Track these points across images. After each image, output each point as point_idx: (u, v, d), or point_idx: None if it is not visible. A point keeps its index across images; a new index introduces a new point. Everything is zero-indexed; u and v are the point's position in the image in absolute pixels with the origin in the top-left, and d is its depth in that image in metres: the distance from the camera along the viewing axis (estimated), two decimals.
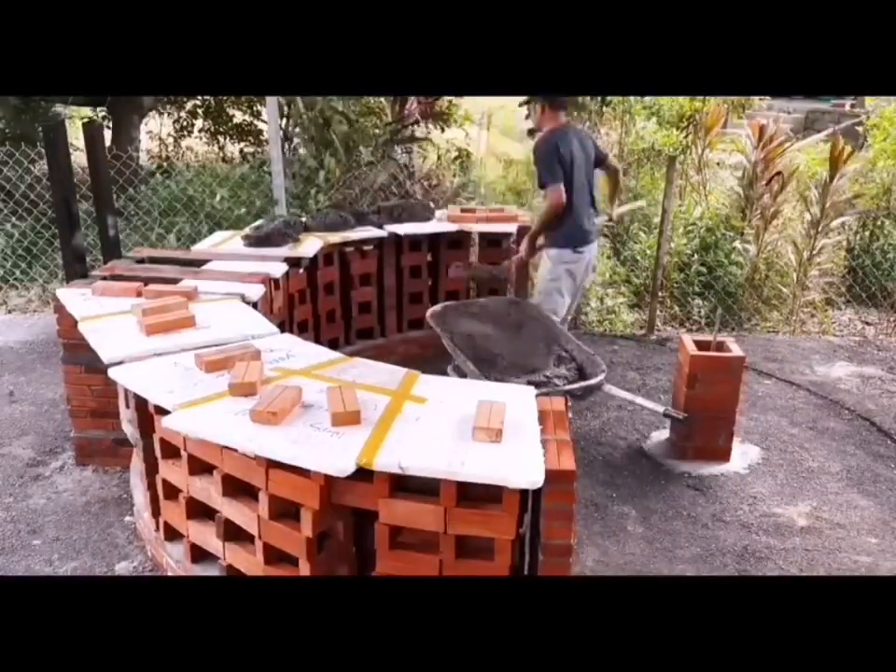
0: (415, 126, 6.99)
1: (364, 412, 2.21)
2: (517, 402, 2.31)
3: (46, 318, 5.45)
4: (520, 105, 6.15)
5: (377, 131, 6.80)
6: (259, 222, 4.57)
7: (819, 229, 6.04)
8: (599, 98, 7.34)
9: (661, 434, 3.99)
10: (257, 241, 4.14)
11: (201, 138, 9.86)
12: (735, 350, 3.67)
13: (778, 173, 6.24)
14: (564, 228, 3.91)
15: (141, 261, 3.88)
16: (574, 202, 3.88)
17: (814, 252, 6.10)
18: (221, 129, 9.76)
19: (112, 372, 2.57)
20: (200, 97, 9.26)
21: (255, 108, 9.30)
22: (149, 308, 2.91)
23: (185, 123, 9.83)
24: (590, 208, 4.06)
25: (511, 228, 4.83)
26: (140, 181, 7.21)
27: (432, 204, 5.26)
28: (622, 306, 5.99)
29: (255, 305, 3.31)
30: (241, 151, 9.37)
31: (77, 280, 3.66)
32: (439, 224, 4.82)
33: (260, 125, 9.39)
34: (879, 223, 6.74)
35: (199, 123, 9.81)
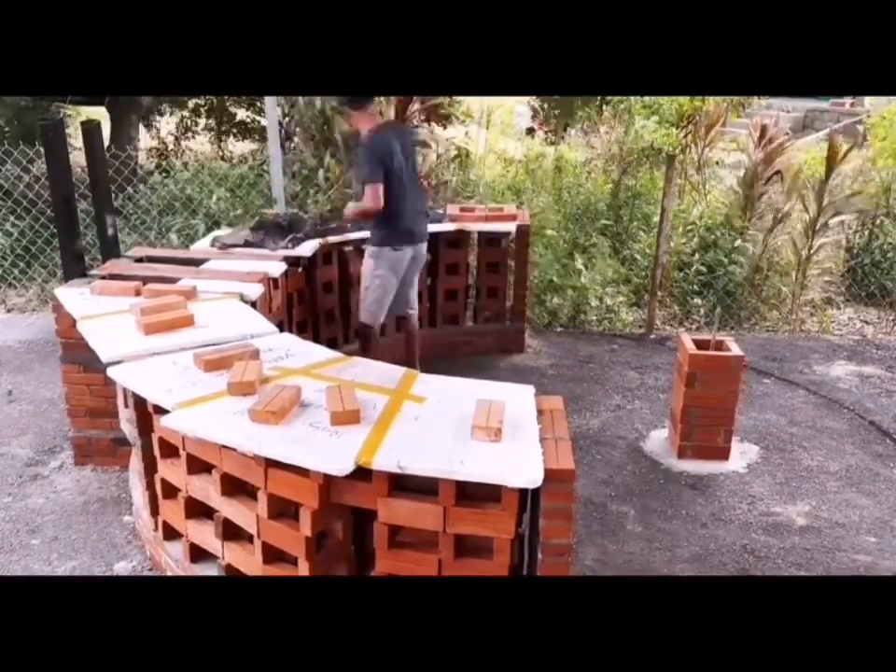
0: (419, 128, 6.97)
1: (363, 411, 2.21)
2: (516, 401, 2.31)
3: (44, 318, 5.44)
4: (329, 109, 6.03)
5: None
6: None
7: (817, 227, 6.04)
8: (598, 97, 7.34)
9: (660, 433, 3.99)
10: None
11: (203, 136, 9.84)
12: (735, 349, 3.67)
13: (777, 172, 6.24)
14: (385, 228, 3.95)
15: (139, 260, 3.87)
16: (395, 202, 3.86)
17: (812, 251, 6.10)
18: (224, 127, 9.75)
19: (111, 372, 2.56)
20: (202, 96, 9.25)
21: (258, 105, 9.29)
22: (148, 307, 2.91)
23: (189, 123, 9.82)
24: (418, 209, 4.08)
25: (511, 227, 4.83)
26: (139, 180, 7.20)
27: (431, 202, 5.25)
28: (621, 305, 5.99)
29: (254, 304, 3.31)
30: (243, 154, 9.36)
31: (76, 279, 3.65)
32: (438, 223, 4.82)
33: (264, 122, 9.37)
34: (879, 222, 6.74)
35: (202, 122, 9.80)
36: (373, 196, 3.79)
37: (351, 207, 4.12)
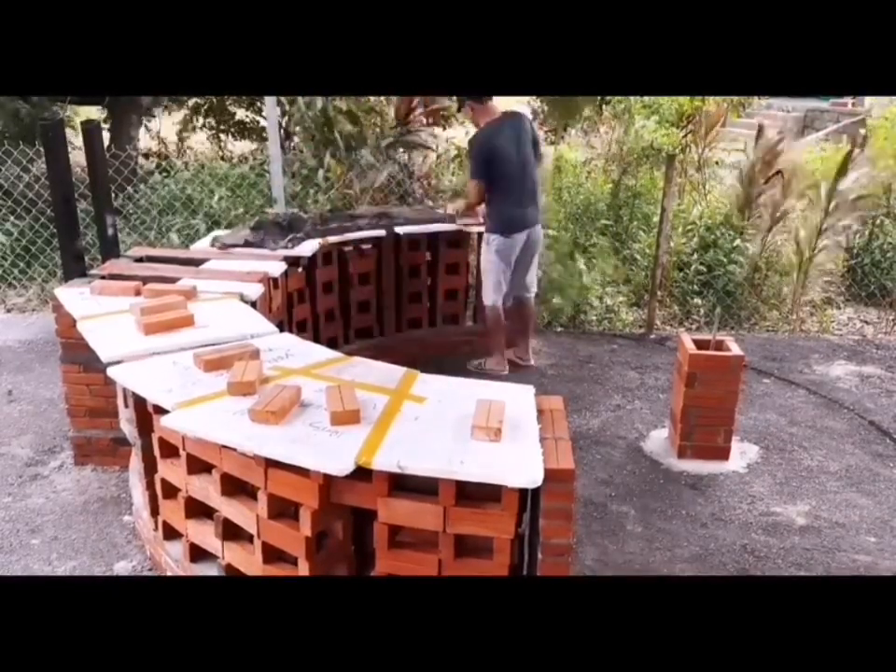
0: (421, 131, 6.96)
1: (363, 411, 2.21)
2: (516, 401, 2.31)
3: (44, 317, 5.44)
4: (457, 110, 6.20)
5: (377, 129, 6.79)
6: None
7: (823, 229, 6.04)
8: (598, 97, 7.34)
9: (660, 433, 3.99)
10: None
11: (198, 133, 9.83)
12: (735, 349, 3.67)
13: (778, 171, 6.24)
14: (494, 217, 4.38)
15: (139, 260, 3.87)
16: (504, 192, 4.29)
17: (813, 251, 6.10)
18: (223, 126, 9.75)
19: (111, 372, 2.56)
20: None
21: (257, 105, 9.28)
22: (148, 307, 2.91)
23: (188, 122, 9.81)
24: (526, 196, 4.36)
25: None
26: (139, 180, 7.19)
27: (430, 202, 5.25)
28: (621, 305, 5.99)
29: (254, 304, 3.31)
30: (243, 154, 9.36)
31: (76, 279, 3.65)
32: (437, 223, 4.82)
33: (263, 122, 9.37)
34: (879, 222, 6.74)
35: (201, 121, 9.79)
36: (475, 192, 4.39)
37: (460, 202, 4.78)
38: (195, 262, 3.82)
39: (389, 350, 4.62)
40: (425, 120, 6.93)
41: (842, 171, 5.98)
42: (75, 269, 4.35)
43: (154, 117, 9.67)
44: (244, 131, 9.68)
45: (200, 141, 9.89)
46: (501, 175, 4.25)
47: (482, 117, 4.31)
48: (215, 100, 9.37)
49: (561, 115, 8.70)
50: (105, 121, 8.43)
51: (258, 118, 9.46)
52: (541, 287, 5.83)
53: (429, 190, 6.69)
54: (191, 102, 9.53)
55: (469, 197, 4.48)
